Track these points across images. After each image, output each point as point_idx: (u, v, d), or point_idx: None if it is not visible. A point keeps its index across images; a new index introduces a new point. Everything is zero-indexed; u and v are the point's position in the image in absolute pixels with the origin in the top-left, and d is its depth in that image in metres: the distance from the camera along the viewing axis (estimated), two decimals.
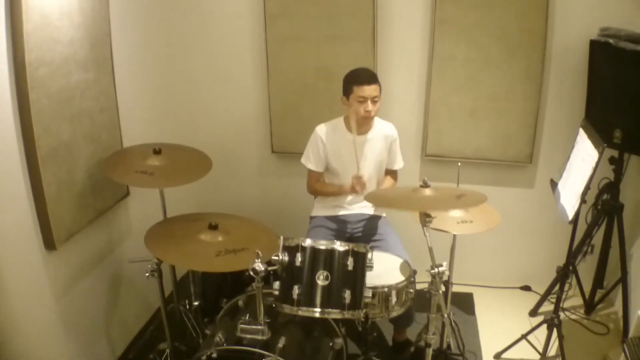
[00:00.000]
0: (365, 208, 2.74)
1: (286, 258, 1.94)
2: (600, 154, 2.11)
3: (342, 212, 2.74)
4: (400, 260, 2.31)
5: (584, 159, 2.30)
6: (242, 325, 1.96)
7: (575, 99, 2.93)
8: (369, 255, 1.98)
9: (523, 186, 3.21)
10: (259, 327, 1.94)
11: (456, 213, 2.45)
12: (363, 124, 2.59)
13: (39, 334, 2.13)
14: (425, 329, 2.17)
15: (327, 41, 3.02)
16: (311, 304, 1.92)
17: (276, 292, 1.95)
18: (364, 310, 1.96)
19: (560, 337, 2.52)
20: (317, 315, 1.92)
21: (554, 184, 2.62)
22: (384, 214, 2.79)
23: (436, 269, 1.96)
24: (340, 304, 1.91)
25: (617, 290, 2.93)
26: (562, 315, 2.81)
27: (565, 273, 2.56)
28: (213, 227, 2.14)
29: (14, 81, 1.93)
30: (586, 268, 3.03)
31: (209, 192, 3.31)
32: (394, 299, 2.09)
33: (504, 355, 2.70)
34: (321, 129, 2.65)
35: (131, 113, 2.74)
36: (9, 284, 1.95)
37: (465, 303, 3.18)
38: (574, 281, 3.01)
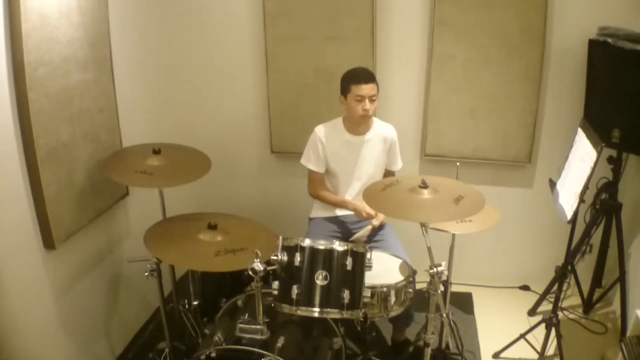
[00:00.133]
0: None
1: (285, 258, 1.94)
2: (599, 153, 2.11)
3: (341, 213, 2.74)
4: (399, 260, 2.32)
5: (582, 158, 2.31)
6: (241, 325, 1.96)
7: (574, 99, 2.94)
8: (368, 255, 1.98)
9: (522, 186, 3.21)
10: (258, 326, 1.94)
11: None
12: (361, 123, 2.59)
13: (38, 333, 2.13)
14: (424, 329, 2.17)
15: (327, 41, 3.03)
16: (310, 303, 1.92)
17: (275, 292, 1.95)
18: (363, 310, 1.96)
19: (559, 336, 2.53)
20: (316, 315, 1.92)
21: (552, 184, 2.63)
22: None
23: (435, 269, 1.96)
24: (339, 303, 1.91)
25: (615, 290, 2.94)
26: (560, 314, 2.81)
27: (563, 272, 2.56)
28: (212, 227, 2.14)
29: (12, 81, 1.93)
30: (585, 267, 3.04)
31: (209, 192, 3.32)
32: (392, 298, 2.09)
33: (502, 355, 2.70)
34: (320, 130, 2.65)
35: (130, 113, 2.74)
36: (8, 283, 1.95)
37: (464, 303, 3.18)
38: (573, 281, 3.01)
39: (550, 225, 3.13)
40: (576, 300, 3.11)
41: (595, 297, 3.04)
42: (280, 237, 1.96)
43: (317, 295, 1.92)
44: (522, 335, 2.68)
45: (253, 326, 1.95)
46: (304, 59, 3.08)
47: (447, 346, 2.61)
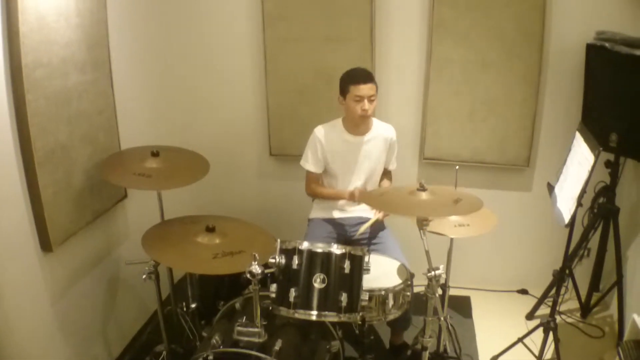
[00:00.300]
0: (363, 211, 2.73)
1: (283, 261, 1.94)
2: (596, 157, 2.12)
3: (340, 215, 2.74)
4: (397, 264, 2.32)
5: (580, 162, 2.31)
6: (238, 328, 1.95)
7: (572, 103, 2.94)
8: (366, 259, 1.98)
9: (520, 189, 3.21)
10: (256, 329, 1.94)
11: (453, 216, 2.46)
12: (360, 124, 2.60)
13: (35, 336, 2.12)
14: (422, 332, 2.17)
15: (326, 43, 3.03)
16: (308, 306, 1.92)
17: (273, 295, 1.95)
18: (361, 313, 1.96)
19: (556, 340, 2.52)
20: (314, 318, 1.93)
21: (550, 188, 2.63)
22: None
23: (433, 272, 1.96)
24: (337, 307, 1.91)
25: (612, 294, 2.94)
26: (558, 318, 2.81)
27: (561, 276, 2.56)
28: (210, 230, 2.14)
29: (10, 83, 1.92)
30: (582, 271, 3.04)
31: (208, 195, 3.31)
32: (391, 302, 2.09)
33: (500, 359, 2.70)
34: (319, 131, 2.65)
35: (129, 115, 2.74)
36: (4, 285, 1.94)
37: (462, 306, 3.18)
38: (571, 284, 3.01)
39: (549, 229, 3.13)
40: (574, 304, 3.11)
41: (592, 301, 3.04)
42: (278, 240, 1.96)
43: (314, 298, 1.92)
44: (520, 339, 2.67)
45: (251, 329, 1.94)
46: (303, 60, 3.08)
47: (445, 349, 2.61)
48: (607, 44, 2.54)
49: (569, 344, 2.78)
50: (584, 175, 2.18)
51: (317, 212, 2.79)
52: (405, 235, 2.64)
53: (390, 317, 2.13)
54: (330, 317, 1.93)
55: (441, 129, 3.12)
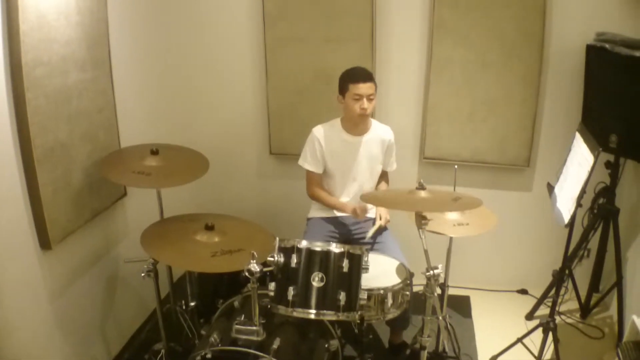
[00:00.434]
0: None
1: (282, 259, 1.94)
2: (596, 158, 2.11)
3: (339, 214, 2.74)
4: (396, 263, 2.32)
5: (580, 163, 2.31)
6: (237, 326, 1.96)
7: (572, 103, 2.94)
8: (365, 258, 1.98)
9: (521, 189, 3.21)
10: (254, 327, 1.94)
11: (452, 215, 2.46)
12: (359, 123, 2.60)
13: (33, 334, 2.12)
14: (421, 332, 2.17)
15: (326, 43, 3.03)
16: (306, 305, 1.92)
17: (271, 293, 1.95)
18: (359, 312, 1.96)
19: (556, 340, 2.52)
20: (312, 316, 1.93)
21: (550, 188, 2.63)
22: None
23: (431, 271, 1.96)
24: (335, 305, 1.91)
25: (612, 295, 2.93)
26: (557, 319, 2.80)
27: (561, 277, 2.56)
28: (209, 228, 2.14)
29: (10, 81, 1.93)
30: (582, 272, 3.03)
31: (208, 194, 3.32)
32: (389, 301, 2.09)
33: (499, 359, 2.70)
34: (318, 130, 2.65)
35: (129, 113, 2.74)
36: (3, 283, 1.94)
37: (462, 306, 3.18)
38: (570, 285, 3.01)
39: (549, 229, 3.12)
40: (574, 304, 3.11)
41: (592, 301, 3.04)
42: (277, 239, 1.96)
43: (313, 296, 1.92)
44: (520, 339, 2.67)
45: (249, 327, 1.95)
46: (303, 60, 3.08)
47: (444, 349, 2.60)
48: (607, 45, 2.54)
49: (569, 344, 2.78)
50: (584, 176, 2.18)
51: (317, 211, 2.79)
52: (404, 235, 2.64)
53: (389, 316, 2.13)
54: (329, 315, 1.93)
55: (441, 129, 3.12)
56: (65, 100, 2.21)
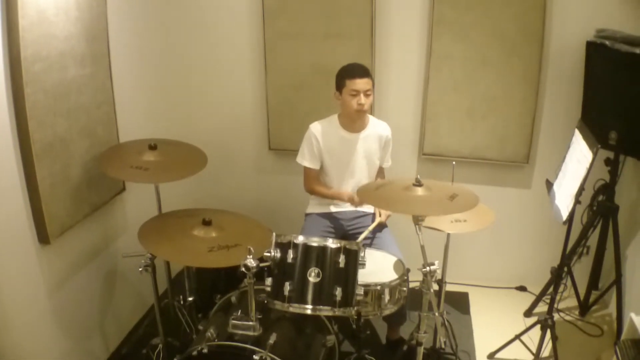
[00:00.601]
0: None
1: (278, 254, 1.94)
2: (595, 154, 2.11)
3: (336, 209, 2.75)
4: (394, 259, 2.32)
5: (579, 160, 2.30)
6: (233, 321, 1.96)
7: (572, 100, 2.93)
8: (361, 253, 1.98)
9: (520, 186, 3.21)
10: (251, 323, 1.94)
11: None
12: (357, 119, 2.60)
13: (32, 329, 2.13)
14: (417, 328, 2.17)
15: (325, 39, 3.03)
16: (302, 300, 1.92)
17: (268, 289, 1.95)
18: (356, 308, 1.96)
19: (554, 338, 2.52)
20: (308, 312, 1.93)
21: (549, 184, 2.62)
22: None
23: (427, 268, 1.96)
24: (332, 301, 1.91)
25: (611, 292, 2.93)
26: (556, 316, 2.81)
27: (559, 274, 2.56)
28: (207, 223, 2.14)
29: (9, 76, 1.93)
30: (581, 269, 3.03)
31: (206, 189, 3.32)
32: (386, 297, 2.09)
33: (497, 355, 2.70)
34: (315, 127, 2.66)
35: (128, 108, 2.74)
36: (1, 278, 1.95)
37: (460, 302, 3.18)
38: (569, 282, 3.01)
39: (548, 226, 3.12)
40: (572, 302, 3.11)
41: (591, 299, 3.03)
42: (274, 234, 1.97)
43: (309, 292, 1.92)
44: (518, 336, 2.67)
45: (245, 322, 1.94)
46: (302, 56, 3.08)
47: (442, 345, 2.60)
48: (607, 42, 2.53)
49: (567, 341, 2.77)
50: (583, 173, 2.17)
51: (314, 207, 2.80)
52: (402, 231, 2.64)
53: (386, 312, 2.13)
54: (325, 311, 1.93)
55: (441, 125, 3.11)
56: (64, 95, 2.22)
